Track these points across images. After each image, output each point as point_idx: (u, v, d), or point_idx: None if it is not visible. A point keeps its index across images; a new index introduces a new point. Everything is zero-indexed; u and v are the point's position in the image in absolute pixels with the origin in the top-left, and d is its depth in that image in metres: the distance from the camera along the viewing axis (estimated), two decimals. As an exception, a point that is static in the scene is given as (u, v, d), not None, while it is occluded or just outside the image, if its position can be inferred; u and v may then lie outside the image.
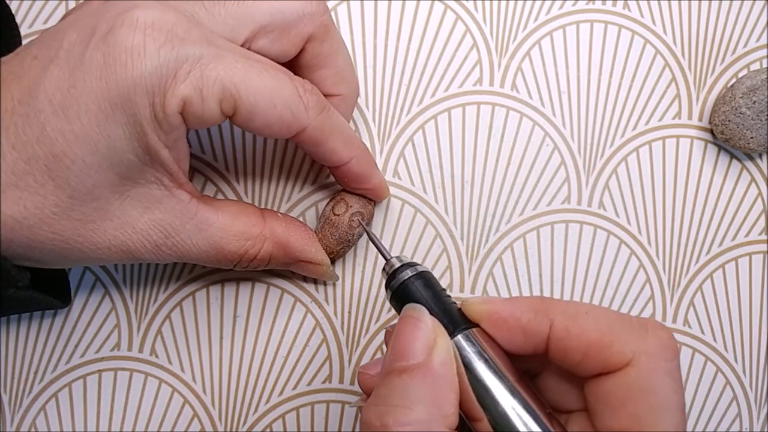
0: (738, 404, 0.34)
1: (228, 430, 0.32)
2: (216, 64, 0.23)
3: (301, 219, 0.32)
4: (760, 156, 0.34)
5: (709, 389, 0.34)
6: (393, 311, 0.32)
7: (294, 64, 0.28)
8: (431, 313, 0.23)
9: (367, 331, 0.32)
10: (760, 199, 0.34)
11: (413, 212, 0.33)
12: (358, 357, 0.32)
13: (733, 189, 0.34)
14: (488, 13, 0.34)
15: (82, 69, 0.22)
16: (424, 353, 0.22)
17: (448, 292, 0.25)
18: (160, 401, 0.32)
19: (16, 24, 0.30)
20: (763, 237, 0.34)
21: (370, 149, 0.33)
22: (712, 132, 0.34)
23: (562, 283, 0.33)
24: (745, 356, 0.34)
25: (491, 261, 0.33)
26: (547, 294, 0.33)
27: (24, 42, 0.31)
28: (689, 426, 0.34)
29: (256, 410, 0.32)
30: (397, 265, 0.25)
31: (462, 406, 0.22)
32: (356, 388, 0.32)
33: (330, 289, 0.32)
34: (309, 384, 0.32)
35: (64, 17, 0.25)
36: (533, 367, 0.26)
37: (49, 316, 0.32)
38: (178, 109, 0.23)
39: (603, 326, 0.23)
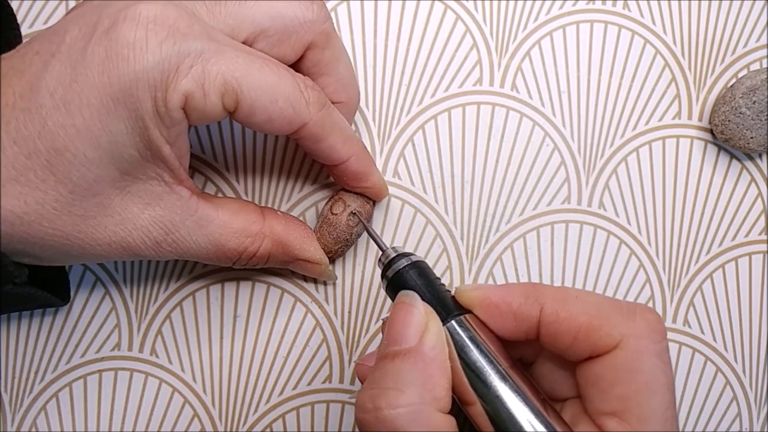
0: (738, 404, 0.34)
1: (228, 430, 0.32)
2: (218, 58, 0.23)
3: (300, 219, 0.32)
4: (760, 156, 0.34)
5: (709, 389, 0.34)
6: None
7: (295, 71, 0.28)
8: (425, 300, 0.24)
9: (367, 331, 0.32)
10: (760, 199, 0.34)
11: (413, 212, 0.33)
12: (358, 357, 0.32)
13: (733, 189, 0.34)
14: (488, 13, 0.34)
15: (83, 63, 0.22)
16: (416, 338, 0.22)
17: (442, 281, 0.25)
18: (160, 401, 0.32)
19: (17, 23, 0.30)
20: (763, 237, 0.34)
21: (370, 149, 0.33)
22: (712, 132, 0.34)
23: (562, 283, 0.33)
24: (745, 356, 0.34)
25: (491, 261, 0.33)
26: (547, 294, 0.33)
27: (24, 41, 0.31)
28: (689, 426, 0.34)
29: (256, 410, 0.32)
30: (393, 255, 0.26)
31: (455, 390, 0.23)
32: (356, 388, 0.32)
33: (330, 288, 0.32)
34: (309, 384, 0.32)
35: (66, 15, 0.25)
36: (527, 355, 0.26)
37: (49, 315, 0.32)
38: (180, 104, 0.23)
39: (592, 310, 0.23)
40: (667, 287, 0.34)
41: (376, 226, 0.33)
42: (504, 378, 0.22)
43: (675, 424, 0.23)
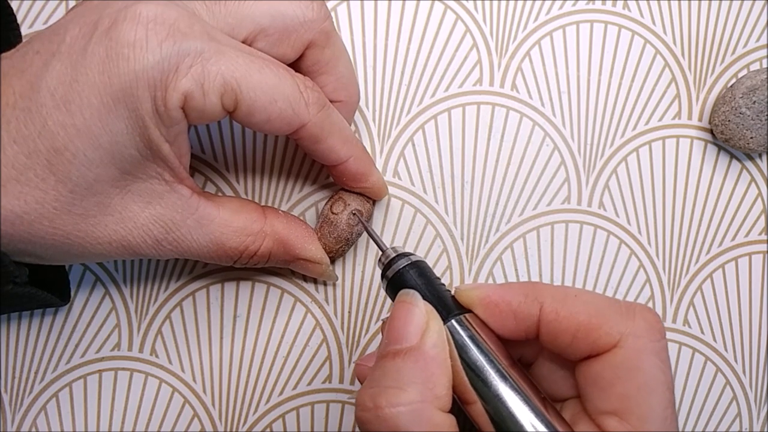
0: (738, 404, 0.34)
1: (228, 430, 0.32)
2: (217, 58, 0.24)
3: (308, 212, 0.32)
4: (760, 156, 0.34)
5: (709, 389, 0.34)
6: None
7: (294, 70, 0.28)
8: (425, 300, 0.24)
9: (367, 331, 0.32)
10: (760, 199, 0.34)
11: (413, 212, 0.33)
12: (358, 357, 0.32)
13: (733, 189, 0.34)
14: (488, 13, 0.34)
15: (84, 63, 0.23)
16: (417, 336, 0.22)
17: (442, 281, 0.25)
18: (160, 401, 0.32)
19: (17, 23, 0.30)
20: (763, 237, 0.34)
21: (370, 149, 0.33)
22: (712, 132, 0.34)
23: (562, 283, 0.33)
24: (745, 356, 0.34)
25: (491, 261, 0.33)
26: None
27: (24, 40, 0.31)
28: (689, 426, 0.34)
29: (256, 410, 0.32)
30: (393, 254, 0.26)
31: (455, 389, 0.23)
32: (356, 388, 0.32)
33: (330, 289, 0.32)
34: (309, 384, 0.32)
35: (66, 14, 0.25)
36: (527, 355, 0.26)
37: (49, 315, 0.32)
38: (180, 104, 0.23)
39: (591, 309, 0.23)
40: (667, 287, 0.34)
41: (376, 226, 0.33)
42: (504, 377, 0.22)
43: (674, 423, 0.23)
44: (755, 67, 0.34)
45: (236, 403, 0.32)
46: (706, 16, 0.34)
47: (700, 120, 0.34)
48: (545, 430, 0.22)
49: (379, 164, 0.33)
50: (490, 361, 0.23)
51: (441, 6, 0.33)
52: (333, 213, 0.30)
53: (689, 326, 0.34)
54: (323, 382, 0.32)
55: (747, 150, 0.33)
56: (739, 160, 0.34)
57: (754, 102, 0.32)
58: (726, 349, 0.34)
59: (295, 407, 0.32)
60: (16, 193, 0.23)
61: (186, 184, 0.26)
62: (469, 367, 0.23)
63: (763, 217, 0.34)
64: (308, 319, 0.32)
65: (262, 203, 0.32)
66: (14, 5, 0.32)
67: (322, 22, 0.27)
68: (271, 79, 0.25)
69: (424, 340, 0.22)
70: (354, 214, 0.30)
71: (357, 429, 0.32)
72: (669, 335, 0.34)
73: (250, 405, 0.32)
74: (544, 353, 0.26)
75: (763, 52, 0.35)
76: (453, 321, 0.23)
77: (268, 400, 0.32)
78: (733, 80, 0.34)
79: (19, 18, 0.33)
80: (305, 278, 0.32)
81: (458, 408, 0.23)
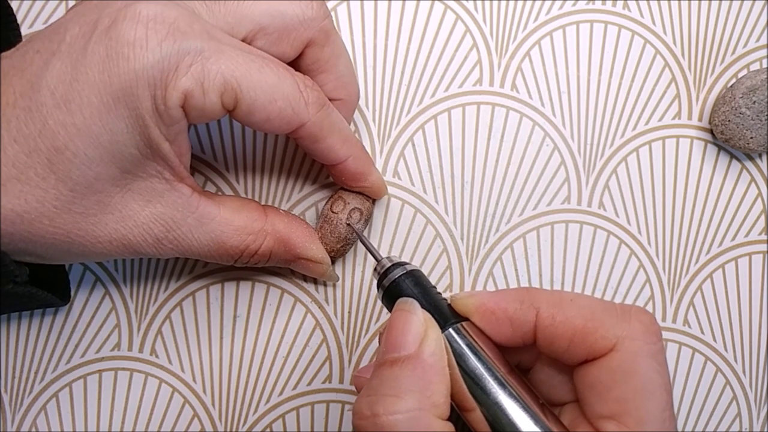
0: (738, 404, 0.34)
1: (228, 430, 0.32)
2: (217, 57, 0.24)
3: (308, 211, 0.32)
4: (760, 156, 0.34)
5: (709, 389, 0.34)
6: (393, 311, 0.32)
7: (294, 68, 0.28)
8: (422, 308, 0.24)
9: (367, 331, 0.32)
10: (760, 199, 0.34)
11: (413, 212, 0.33)
12: (358, 357, 0.32)
13: (733, 189, 0.34)
14: (488, 13, 0.34)
15: (84, 62, 0.23)
16: (415, 345, 0.22)
17: (438, 290, 0.25)
18: (160, 401, 0.32)
19: (17, 23, 0.30)
20: (763, 237, 0.34)
21: (370, 149, 0.33)
22: (712, 132, 0.34)
23: (562, 283, 0.33)
24: (744, 356, 0.34)
25: (491, 261, 0.33)
26: (547, 294, 0.33)
27: (24, 40, 0.31)
28: (689, 426, 0.34)
29: (256, 410, 0.32)
30: (388, 264, 0.26)
31: (454, 397, 0.23)
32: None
33: (330, 289, 0.32)
34: (309, 384, 0.32)
35: (66, 13, 0.25)
36: (524, 361, 0.26)
37: (49, 315, 0.32)
38: (180, 102, 0.23)
39: (587, 313, 0.23)
40: (667, 287, 0.34)
41: (376, 226, 0.33)
42: (502, 384, 0.22)
43: (673, 425, 0.23)
44: (755, 67, 0.34)
45: (236, 403, 0.32)
46: (706, 16, 0.34)
47: (700, 120, 0.34)
48: None
49: (379, 164, 0.33)
50: (488, 369, 0.23)
51: (441, 6, 0.33)
52: (333, 212, 0.30)
53: (689, 326, 0.34)
54: (323, 382, 0.32)
55: (747, 150, 0.33)
56: (739, 160, 0.34)
57: (754, 102, 0.32)
58: (726, 349, 0.34)
59: (295, 407, 0.32)
60: (16, 192, 0.23)
61: (186, 183, 0.26)
62: (467, 375, 0.23)
63: (763, 217, 0.34)
64: (308, 319, 0.32)
65: (263, 203, 0.32)
66: (14, 5, 0.32)
67: (321, 20, 0.27)
68: (270, 79, 0.25)
69: (422, 348, 0.22)
70: (354, 210, 0.30)
71: (357, 429, 0.32)
72: (669, 335, 0.34)
73: (250, 405, 0.32)
74: (541, 359, 0.26)
75: (763, 52, 0.35)
76: (450, 329, 0.23)
77: (268, 400, 0.32)
78: (733, 80, 0.34)
79: (19, 18, 0.33)
80: (305, 278, 0.32)
81: (456, 416, 0.23)
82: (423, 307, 0.24)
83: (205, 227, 0.27)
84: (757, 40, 0.35)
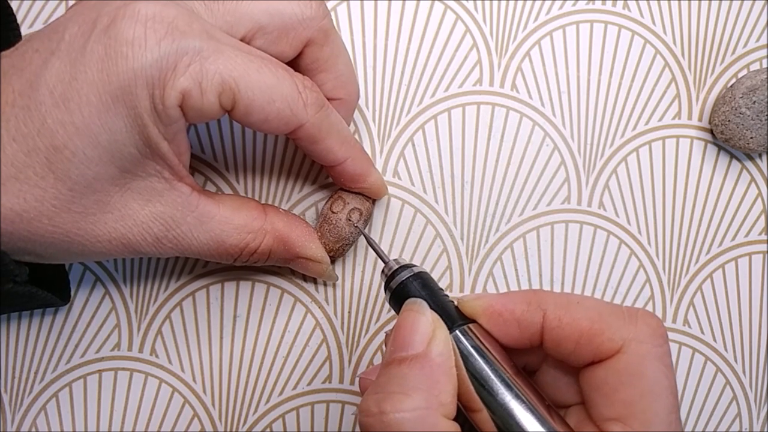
0: (738, 404, 0.34)
1: (228, 430, 0.32)
2: (216, 57, 0.24)
3: (308, 212, 0.32)
4: (760, 156, 0.34)
5: (709, 389, 0.34)
6: (393, 312, 0.32)
7: (294, 68, 0.28)
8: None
9: (367, 331, 0.32)
10: (760, 199, 0.34)
11: (413, 212, 0.33)
12: (358, 357, 0.32)
13: (733, 189, 0.34)
14: (488, 13, 0.34)
15: (83, 61, 0.23)
16: (423, 344, 0.22)
17: (445, 292, 0.25)
18: (160, 401, 0.32)
19: (16, 23, 0.30)
20: (763, 237, 0.34)
21: (369, 149, 0.33)
22: (712, 132, 0.34)
23: (562, 283, 0.33)
24: (744, 356, 0.34)
25: (491, 261, 0.33)
26: (547, 294, 0.33)
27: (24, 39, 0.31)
28: (689, 426, 0.34)
29: (256, 410, 0.32)
30: (396, 266, 0.26)
31: (461, 398, 0.23)
32: (356, 388, 0.32)
33: (330, 289, 0.32)
34: (309, 384, 0.32)
35: (65, 12, 0.25)
36: (531, 363, 0.26)
37: (49, 315, 0.32)
38: (178, 102, 0.23)
39: (594, 315, 0.23)
40: (667, 287, 0.34)
41: (376, 226, 0.33)
42: (509, 386, 0.22)
43: (678, 426, 0.23)
44: (755, 67, 0.34)
45: (236, 403, 0.32)
46: (706, 16, 0.34)
47: (700, 120, 0.34)
48: None
49: (379, 164, 0.33)
50: (495, 370, 0.23)
51: (441, 6, 0.33)
52: (332, 212, 0.30)
53: (689, 326, 0.34)
54: (323, 382, 0.32)
55: (747, 150, 0.33)
56: (739, 160, 0.34)
57: (754, 102, 0.32)
58: (726, 349, 0.34)
59: (295, 407, 0.32)
60: (15, 191, 0.23)
61: (186, 182, 0.26)
62: (474, 376, 0.23)
63: (763, 217, 0.34)
64: (308, 319, 0.32)
65: (263, 203, 0.32)
66: (14, 5, 0.32)
67: (320, 19, 0.27)
68: (269, 79, 0.25)
69: (431, 347, 0.22)
70: (354, 210, 0.30)
71: (357, 429, 0.32)
72: (669, 335, 0.34)
73: (250, 405, 0.32)
74: (548, 361, 0.26)
75: (763, 52, 0.35)
76: (457, 331, 0.24)
77: (268, 400, 0.32)
78: (733, 80, 0.34)
79: (19, 18, 0.33)
80: (305, 278, 0.32)
81: (463, 417, 0.23)
82: (431, 308, 0.24)
83: (205, 226, 0.27)
84: (757, 40, 0.35)
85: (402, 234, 0.33)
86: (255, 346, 0.32)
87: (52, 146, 0.23)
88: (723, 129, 0.32)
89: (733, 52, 0.34)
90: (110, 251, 0.26)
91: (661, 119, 0.34)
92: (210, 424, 0.32)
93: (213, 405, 0.32)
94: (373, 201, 0.31)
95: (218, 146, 0.32)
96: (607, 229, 0.34)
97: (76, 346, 0.32)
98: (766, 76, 0.32)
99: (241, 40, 0.26)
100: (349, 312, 0.32)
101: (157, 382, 0.32)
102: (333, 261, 0.31)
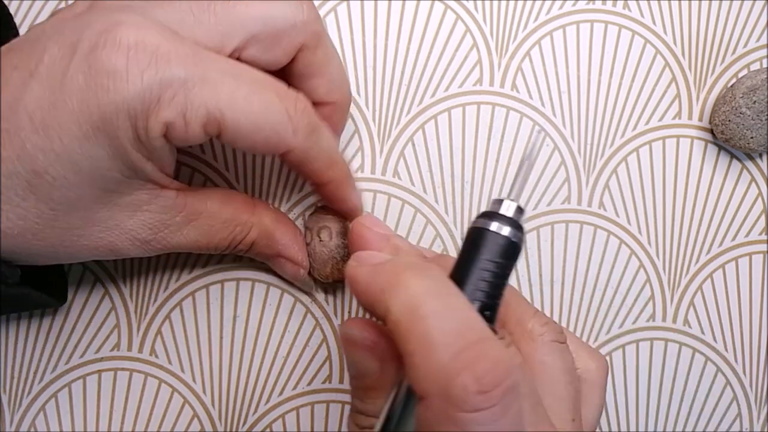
0: (738, 404, 0.34)
1: (228, 430, 0.32)
2: (201, 87, 0.23)
3: (299, 220, 0.32)
4: (760, 156, 0.34)
5: (710, 389, 0.34)
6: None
7: (286, 73, 0.27)
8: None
9: (367, 331, 0.32)
10: (760, 199, 0.34)
11: (413, 212, 0.33)
12: (358, 357, 0.32)
13: (733, 189, 0.34)
14: (488, 13, 0.34)
15: (63, 90, 0.22)
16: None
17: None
18: (160, 401, 0.32)
19: (14, 23, 0.30)
20: (763, 237, 0.34)
21: (369, 149, 0.33)
22: (712, 132, 0.34)
23: (562, 283, 0.33)
24: (745, 356, 0.34)
25: (491, 261, 0.33)
26: (546, 294, 0.33)
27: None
28: (689, 426, 0.34)
29: (256, 410, 0.32)
30: (491, 209, 0.23)
31: None
32: (356, 388, 0.32)
33: (330, 289, 0.32)
34: (309, 384, 0.32)
35: (44, 23, 0.24)
36: None
37: (48, 315, 0.32)
38: (161, 133, 0.23)
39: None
40: (667, 287, 0.34)
41: (376, 226, 0.33)
42: None
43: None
44: (755, 67, 0.34)
45: (236, 403, 0.32)
46: (706, 16, 0.34)
47: (700, 120, 0.34)
48: None
49: (379, 164, 0.33)
50: None
51: (441, 6, 0.33)
52: (307, 243, 0.30)
53: (689, 326, 0.34)
54: (323, 382, 0.32)
55: (747, 150, 0.33)
56: (739, 160, 0.34)
57: (755, 102, 0.32)
58: (726, 350, 0.34)
59: (295, 407, 0.32)
60: None
61: (171, 188, 0.26)
62: None
63: (763, 217, 0.34)
64: (308, 319, 0.32)
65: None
66: (14, 6, 0.32)
67: (313, 24, 0.26)
68: (257, 107, 0.24)
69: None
70: (321, 239, 0.30)
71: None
72: (669, 335, 0.34)
73: (250, 405, 0.32)
74: None
75: (763, 52, 0.35)
76: None
77: (268, 400, 0.32)
78: (734, 80, 0.34)
79: (19, 19, 0.32)
80: (305, 278, 0.32)
81: None
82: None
83: (193, 224, 0.27)
84: (757, 40, 0.35)
85: (402, 234, 0.33)
86: (255, 346, 0.32)
87: (33, 171, 0.22)
88: (723, 129, 0.32)
89: (734, 52, 0.34)
90: (97, 256, 0.26)
91: (661, 119, 0.34)
92: (210, 424, 0.32)
93: (213, 405, 0.32)
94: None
95: (218, 146, 0.32)
96: (607, 229, 0.34)
97: (76, 346, 0.32)
98: (766, 76, 0.32)
99: (234, 49, 0.25)
100: (349, 312, 0.32)
101: (157, 382, 0.32)
102: (332, 287, 0.31)
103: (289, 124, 0.25)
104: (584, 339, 0.33)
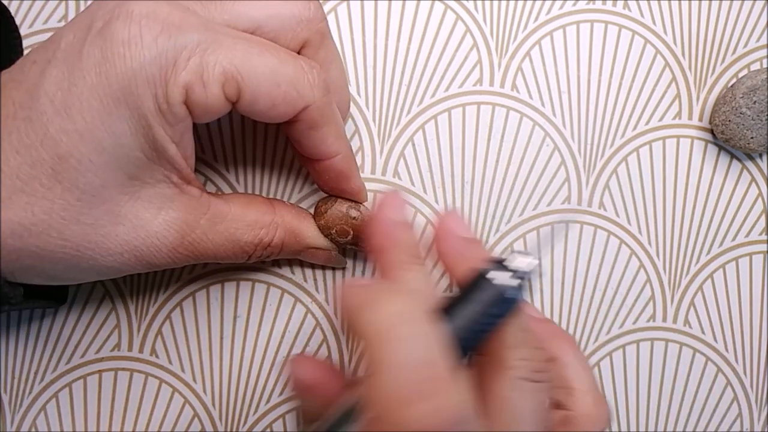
0: (739, 404, 0.34)
1: (228, 430, 0.32)
2: (215, 48, 0.23)
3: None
4: (761, 156, 0.34)
5: (710, 390, 0.34)
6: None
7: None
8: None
9: (367, 331, 0.32)
10: (760, 199, 0.34)
11: (413, 212, 0.33)
12: (358, 357, 0.32)
13: (734, 189, 0.34)
14: (488, 13, 0.34)
15: (80, 66, 0.22)
16: None
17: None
18: (160, 401, 0.32)
19: (15, 25, 0.30)
20: (764, 237, 0.34)
21: (370, 149, 0.33)
22: (712, 132, 0.34)
23: (562, 283, 0.33)
24: (745, 356, 0.34)
25: (491, 261, 0.33)
26: (546, 294, 0.33)
27: (25, 47, 0.31)
28: (689, 426, 0.34)
29: (256, 410, 0.32)
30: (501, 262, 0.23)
31: None
32: (356, 388, 0.32)
33: (330, 289, 0.32)
34: (309, 384, 0.32)
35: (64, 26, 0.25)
36: None
37: (49, 316, 0.32)
38: (182, 98, 0.23)
39: None
40: (668, 287, 0.34)
41: (376, 226, 0.33)
42: None
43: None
44: (755, 67, 0.34)
45: (236, 403, 0.32)
46: (706, 16, 0.34)
47: (700, 120, 0.34)
48: None
49: (379, 164, 0.33)
50: None
51: (441, 6, 0.33)
52: (327, 207, 0.30)
53: (690, 326, 0.34)
54: (323, 383, 0.32)
55: (747, 150, 0.33)
56: (739, 160, 0.34)
57: (755, 102, 0.32)
58: (727, 350, 0.34)
59: (296, 407, 0.32)
60: (22, 205, 0.22)
61: (194, 185, 0.26)
62: None
63: (763, 217, 0.34)
64: (308, 319, 0.32)
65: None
66: (14, 6, 0.32)
67: (318, 22, 0.27)
68: (272, 62, 0.24)
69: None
70: (350, 210, 0.30)
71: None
72: (670, 335, 0.34)
73: (250, 405, 0.32)
74: None
75: (763, 52, 0.35)
76: None
77: (268, 400, 0.32)
78: (734, 80, 0.34)
79: (19, 19, 0.32)
80: (305, 278, 0.32)
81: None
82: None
83: (219, 227, 0.26)
84: (758, 40, 0.35)
85: (402, 234, 0.33)
86: (255, 346, 0.32)
87: (57, 155, 0.22)
88: (723, 129, 0.32)
89: (734, 52, 0.34)
90: (121, 266, 0.25)
91: (661, 119, 0.34)
92: (210, 424, 0.32)
93: (213, 405, 0.32)
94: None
95: (218, 146, 0.32)
96: (607, 229, 0.34)
97: (76, 346, 0.32)
98: (766, 76, 0.32)
99: None
100: (349, 312, 0.32)
101: (157, 382, 0.32)
102: (345, 251, 0.31)
103: (306, 77, 0.25)
104: (584, 339, 0.33)
